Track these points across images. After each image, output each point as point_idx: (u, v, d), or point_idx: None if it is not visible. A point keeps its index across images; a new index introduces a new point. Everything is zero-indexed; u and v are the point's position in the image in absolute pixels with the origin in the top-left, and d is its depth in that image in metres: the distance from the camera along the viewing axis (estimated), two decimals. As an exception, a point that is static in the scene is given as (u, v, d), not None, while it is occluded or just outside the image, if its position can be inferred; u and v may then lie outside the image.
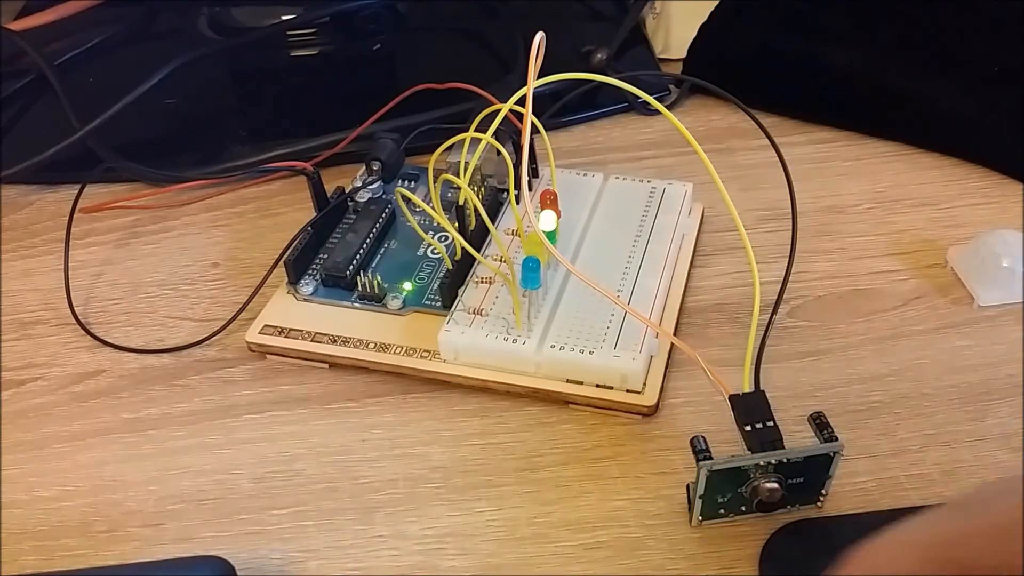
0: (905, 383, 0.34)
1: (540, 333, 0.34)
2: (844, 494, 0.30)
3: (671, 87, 0.48)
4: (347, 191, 0.41)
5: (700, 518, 0.30)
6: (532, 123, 0.32)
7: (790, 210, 0.36)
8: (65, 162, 0.45)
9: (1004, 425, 0.32)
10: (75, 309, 0.39)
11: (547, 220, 0.34)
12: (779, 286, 0.36)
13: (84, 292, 0.41)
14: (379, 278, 0.37)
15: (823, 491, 0.30)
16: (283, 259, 0.38)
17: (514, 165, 0.36)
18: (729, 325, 0.37)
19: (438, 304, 0.36)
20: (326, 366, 0.36)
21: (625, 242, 0.37)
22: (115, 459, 0.34)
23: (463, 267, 0.36)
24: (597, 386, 0.33)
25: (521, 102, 0.32)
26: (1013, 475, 0.17)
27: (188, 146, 0.48)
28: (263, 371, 0.36)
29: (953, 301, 0.37)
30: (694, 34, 0.50)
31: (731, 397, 0.30)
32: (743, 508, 0.30)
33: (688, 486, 0.30)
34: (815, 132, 0.46)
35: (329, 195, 0.40)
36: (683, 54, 0.50)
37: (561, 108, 0.47)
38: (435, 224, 0.39)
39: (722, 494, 0.29)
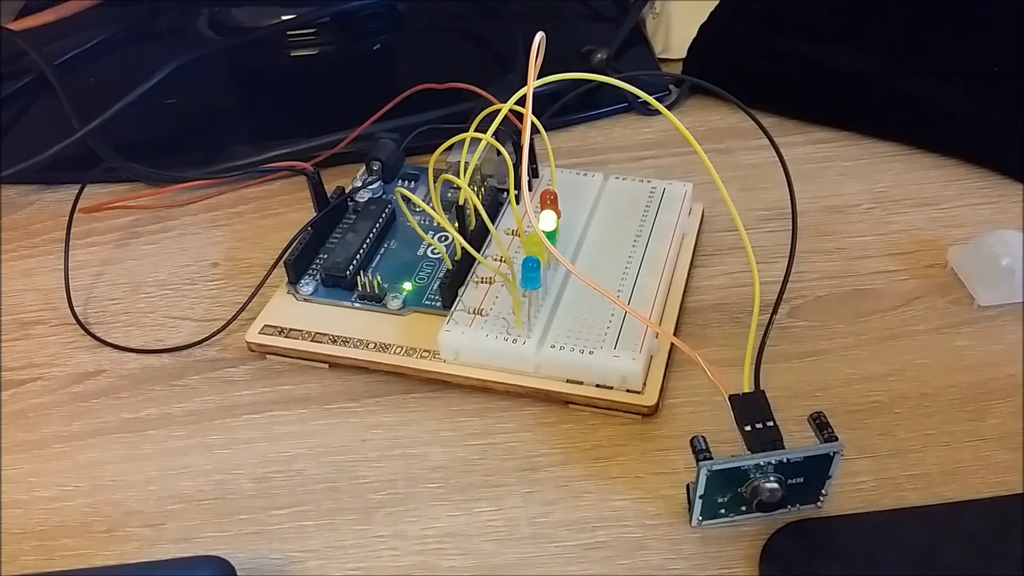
0: (905, 383, 0.34)
1: (540, 333, 0.34)
2: (844, 494, 0.30)
3: (671, 87, 0.48)
4: (347, 191, 0.41)
5: (700, 518, 0.30)
6: (532, 123, 0.32)
7: (790, 210, 0.36)
8: (65, 162, 0.45)
9: (1004, 425, 0.32)
10: (75, 309, 0.39)
11: (547, 220, 0.34)
12: (779, 286, 0.36)
13: (84, 292, 0.41)
14: (379, 278, 0.37)
15: (823, 491, 0.30)
16: (283, 259, 0.38)
17: (514, 165, 0.36)
18: (729, 325, 0.37)
19: (438, 304, 0.36)
20: (326, 366, 0.36)
21: (625, 242, 0.37)
22: (115, 459, 0.34)
23: (463, 267, 0.36)
24: (597, 386, 0.33)
25: (521, 102, 0.32)
26: None
27: (188, 146, 0.48)
28: (263, 371, 0.36)
29: (953, 301, 0.37)
30: (694, 34, 0.50)
31: (731, 397, 0.30)
32: (743, 508, 0.30)
33: (688, 486, 0.30)
34: (815, 132, 0.46)
35: (329, 195, 0.40)
36: (683, 54, 0.50)
37: (561, 108, 0.47)
38: (435, 224, 0.39)
39: (722, 494, 0.29)
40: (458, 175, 0.34)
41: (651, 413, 0.33)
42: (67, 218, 0.42)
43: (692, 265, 0.39)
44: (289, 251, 0.38)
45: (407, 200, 0.39)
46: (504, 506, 0.31)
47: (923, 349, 0.35)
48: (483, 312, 0.34)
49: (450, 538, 0.31)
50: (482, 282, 0.36)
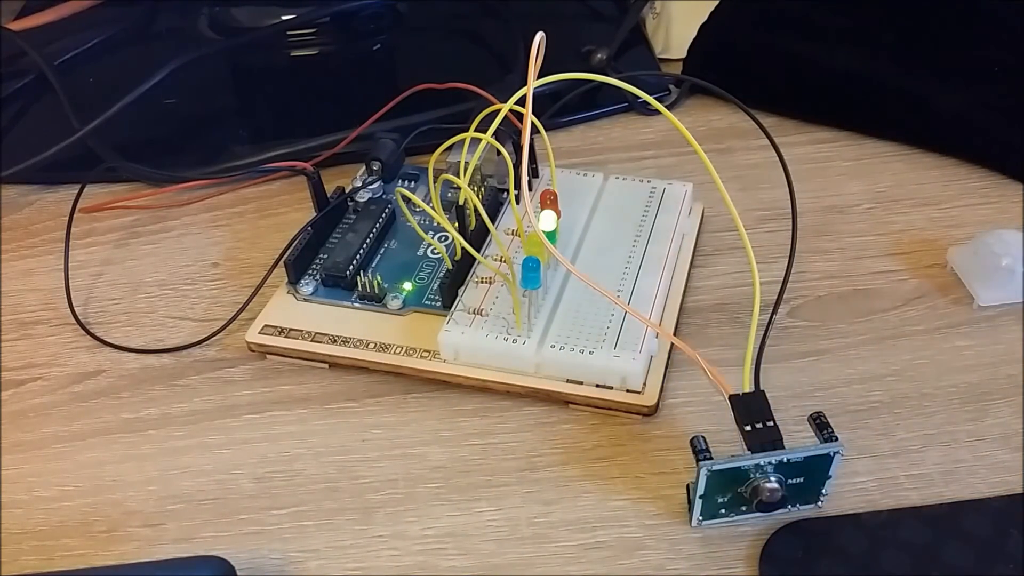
0: (905, 383, 0.34)
1: (540, 333, 0.34)
2: (844, 494, 0.30)
3: (671, 87, 0.48)
4: (347, 191, 0.41)
5: (700, 518, 0.30)
6: (532, 123, 0.32)
7: (790, 210, 0.36)
8: (65, 162, 0.45)
9: (1004, 425, 0.32)
10: (75, 309, 0.39)
11: (547, 220, 0.34)
12: (779, 286, 0.36)
13: (84, 292, 0.41)
14: (379, 278, 0.37)
15: (823, 491, 0.30)
16: (283, 259, 0.38)
17: (514, 165, 0.36)
18: (729, 325, 0.37)
19: (438, 304, 0.36)
20: (326, 366, 0.36)
21: (625, 242, 0.37)
22: (115, 459, 0.34)
23: (463, 267, 0.36)
24: (597, 386, 0.33)
25: (521, 102, 0.32)
26: None
27: (188, 146, 0.48)
28: (263, 371, 0.36)
29: (953, 301, 0.37)
30: (694, 34, 0.50)
31: (731, 397, 0.30)
32: (743, 508, 0.30)
33: (688, 486, 0.30)
34: (815, 132, 0.46)
35: (329, 195, 0.40)
36: (683, 54, 0.50)
37: (561, 108, 0.47)
38: (435, 224, 0.39)
39: (722, 494, 0.29)
40: (458, 175, 0.34)
41: (651, 413, 0.33)
42: (67, 218, 0.42)
43: (692, 265, 0.39)
44: (289, 251, 0.38)
45: (407, 200, 0.39)
46: (504, 506, 0.31)
47: (923, 349, 0.35)
48: (483, 312, 0.34)
49: (450, 538, 0.31)
50: (482, 282, 0.36)
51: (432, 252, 0.39)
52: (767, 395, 0.30)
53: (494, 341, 0.33)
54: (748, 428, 0.29)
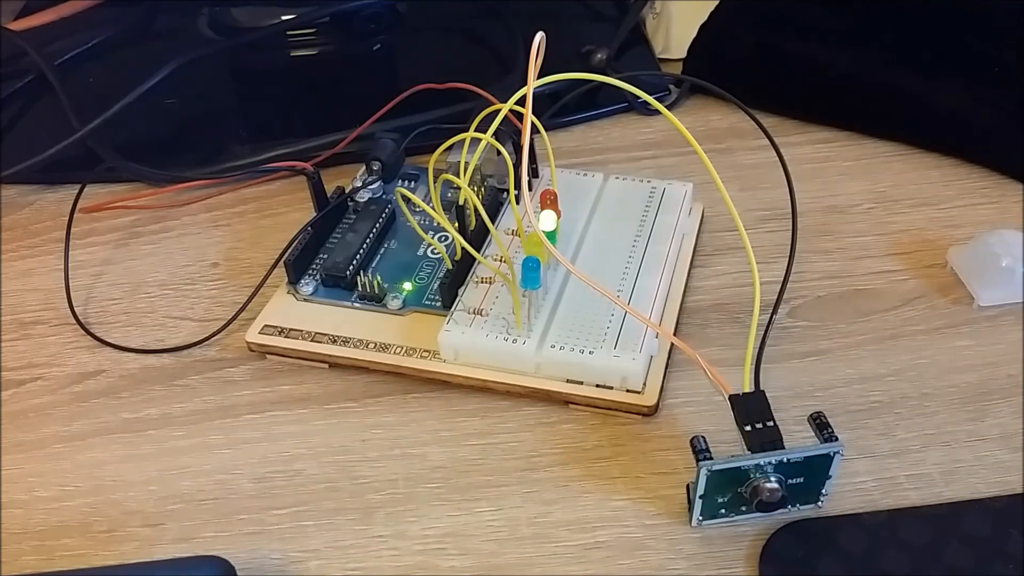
0: (905, 383, 0.34)
1: (540, 333, 0.34)
2: (844, 494, 0.30)
3: (671, 87, 0.48)
4: (347, 191, 0.41)
5: (700, 518, 0.30)
6: (532, 123, 0.32)
7: (790, 210, 0.36)
8: (65, 162, 0.45)
9: (1004, 425, 0.32)
10: (75, 309, 0.39)
11: (547, 220, 0.34)
12: (779, 286, 0.36)
13: (84, 292, 0.41)
14: (379, 278, 0.37)
15: (823, 491, 0.30)
16: (283, 259, 0.38)
17: (514, 165, 0.36)
18: (729, 325, 0.37)
19: (438, 304, 0.36)
20: (326, 366, 0.36)
21: (625, 242, 0.37)
22: (115, 459, 0.34)
23: (463, 267, 0.36)
24: (597, 386, 0.33)
25: (521, 102, 0.32)
26: None
27: (188, 146, 0.48)
28: (263, 371, 0.36)
29: (953, 301, 0.37)
30: (694, 34, 0.50)
31: (731, 397, 0.30)
32: (743, 508, 0.30)
33: (688, 486, 0.30)
34: (815, 132, 0.46)
35: (329, 195, 0.40)
36: (683, 54, 0.50)
37: (561, 108, 0.47)
38: (435, 224, 0.39)
39: (722, 494, 0.29)
40: (458, 175, 0.34)
41: (651, 413, 0.33)
42: (67, 218, 0.42)
43: (692, 265, 0.39)
44: (289, 251, 0.38)
45: (407, 200, 0.39)
46: (504, 506, 0.31)
47: (923, 349, 0.35)
48: (483, 312, 0.34)
49: (450, 538, 0.31)
50: (482, 282, 0.36)
51: (432, 252, 0.39)
52: (767, 395, 0.30)
53: (494, 341, 0.33)
54: (748, 428, 0.29)
